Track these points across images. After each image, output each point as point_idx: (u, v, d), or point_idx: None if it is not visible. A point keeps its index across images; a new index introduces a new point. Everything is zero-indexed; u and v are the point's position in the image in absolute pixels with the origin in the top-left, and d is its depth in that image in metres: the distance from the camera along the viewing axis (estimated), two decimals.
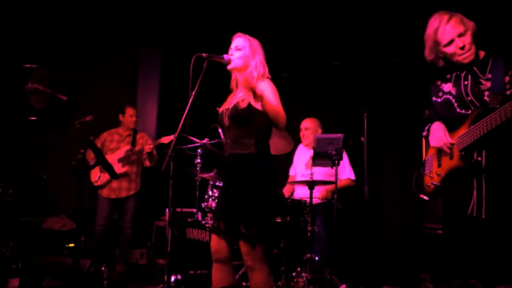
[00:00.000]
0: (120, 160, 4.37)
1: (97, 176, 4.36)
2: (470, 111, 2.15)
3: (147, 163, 4.50)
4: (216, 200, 3.76)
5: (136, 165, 4.51)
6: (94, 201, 4.36)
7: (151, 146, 4.33)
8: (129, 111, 4.57)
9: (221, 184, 3.83)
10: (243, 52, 2.45)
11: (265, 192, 2.34)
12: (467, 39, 2.14)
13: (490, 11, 3.40)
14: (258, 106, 2.35)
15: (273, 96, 2.37)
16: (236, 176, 2.36)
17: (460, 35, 2.14)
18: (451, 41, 2.16)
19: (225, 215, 2.38)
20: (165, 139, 4.34)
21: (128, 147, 4.50)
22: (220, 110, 2.52)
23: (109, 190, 4.40)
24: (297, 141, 4.35)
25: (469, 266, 2.11)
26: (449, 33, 2.15)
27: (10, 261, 3.39)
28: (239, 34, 2.51)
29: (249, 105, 2.34)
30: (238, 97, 2.41)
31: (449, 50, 2.19)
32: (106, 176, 4.35)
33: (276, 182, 2.48)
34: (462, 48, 2.15)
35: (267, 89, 2.36)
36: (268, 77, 2.49)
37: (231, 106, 2.42)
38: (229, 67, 2.46)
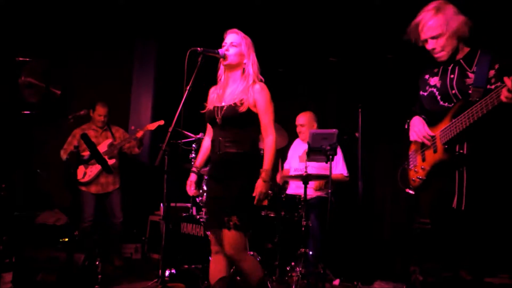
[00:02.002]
0: (105, 154, 4.34)
1: (82, 172, 4.32)
2: (452, 104, 2.18)
3: (136, 150, 4.49)
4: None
5: (117, 158, 4.50)
6: (79, 197, 4.32)
7: (142, 132, 4.32)
8: (99, 110, 4.45)
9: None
10: (238, 49, 2.46)
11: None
12: (440, 42, 2.19)
13: (481, 7, 3.41)
14: (255, 109, 2.42)
15: (267, 107, 2.42)
16: (231, 173, 2.38)
17: (433, 37, 2.19)
18: (425, 40, 2.24)
19: (217, 209, 2.40)
20: (151, 126, 4.33)
21: (109, 140, 4.46)
22: (211, 106, 2.50)
23: (98, 185, 4.37)
24: (292, 136, 4.35)
25: (458, 259, 2.14)
26: (424, 33, 2.22)
27: (3, 255, 3.38)
28: (234, 30, 2.51)
29: (248, 109, 2.39)
30: (235, 97, 2.42)
31: (426, 46, 2.26)
32: (93, 172, 4.33)
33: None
34: (432, 50, 2.22)
35: (262, 99, 2.41)
36: (261, 79, 2.50)
37: (225, 105, 2.42)
38: (224, 62, 2.47)
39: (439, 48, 2.20)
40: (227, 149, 2.40)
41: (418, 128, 2.29)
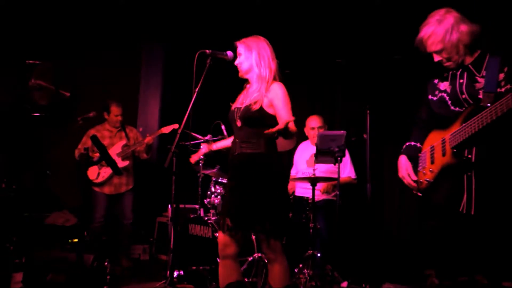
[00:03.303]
0: (118, 155, 4.38)
1: (96, 173, 4.34)
2: (463, 109, 2.18)
3: (144, 156, 4.50)
4: (220, 197, 3.79)
5: (132, 160, 4.52)
6: (90, 198, 4.36)
7: (151, 137, 4.34)
8: (114, 110, 4.47)
9: (224, 181, 3.84)
10: (243, 56, 2.50)
11: (277, 189, 2.42)
12: (445, 54, 2.21)
13: (490, 9, 3.40)
14: (269, 109, 2.44)
15: (284, 102, 2.43)
16: (247, 174, 2.42)
17: (436, 52, 2.22)
18: (431, 53, 2.26)
19: (233, 212, 2.42)
20: (166, 129, 4.33)
21: (123, 141, 4.49)
22: (233, 107, 2.56)
23: (111, 186, 4.40)
24: (299, 138, 4.34)
25: (473, 262, 2.13)
26: (428, 47, 2.24)
27: (13, 256, 3.42)
28: (240, 41, 2.54)
29: (261, 108, 2.41)
30: (252, 98, 2.45)
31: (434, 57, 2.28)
32: (106, 173, 4.35)
33: (286, 179, 2.59)
34: (438, 61, 2.24)
35: (278, 96, 2.43)
36: (277, 78, 2.52)
37: (243, 107, 2.46)
38: (239, 74, 2.53)
39: (444, 60, 2.23)
40: (243, 150, 2.44)
41: (402, 174, 2.42)
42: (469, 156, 2.09)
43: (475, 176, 2.09)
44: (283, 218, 2.47)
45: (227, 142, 2.77)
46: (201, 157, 3.88)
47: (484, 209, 2.06)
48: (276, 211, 2.39)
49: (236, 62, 2.51)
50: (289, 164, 4.49)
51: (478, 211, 2.06)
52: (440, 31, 2.19)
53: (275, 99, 2.43)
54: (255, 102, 2.41)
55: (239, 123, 2.47)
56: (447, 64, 2.24)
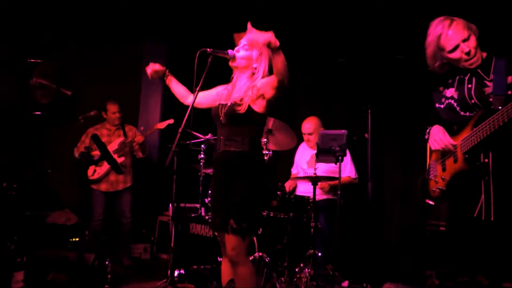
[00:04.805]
0: (115, 152, 4.37)
1: (92, 170, 4.33)
2: (473, 114, 2.13)
3: (140, 155, 4.49)
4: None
5: (129, 157, 4.51)
6: (89, 196, 4.36)
7: (142, 138, 4.33)
8: (111, 108, 4.48)
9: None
10: (249, 54, 2.44)
11: (258, 188, 2.37)
12: (472, 43, 2.11)
13: (492, 10, 3.38)
14: (256, 107, 2.38)
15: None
16: (230, 173, 2.37)
17: (464, 40, 2.11)
18: (456, 47, 2.13)
19: (218, 210, 2.41)
20: (161, 125, 4.32)
21: (120, 139, 4.48)
22: (216, 103, 2.52)
23: (107, 183, 4.40)
24: (300, 138, 4.34)
25: (475, 263, 2.11)
26: (453, 38, 2.12)
27: (15, 255, 3.42)
28: (254, 30, 2.44)
29: (248, 107, 2.36)
30: (239, 96, 2.40)
31: (454, 55, 2.15)
32: (102, 170, 4.35)
33: (268, 179, 2.54)
34: (467, 53, 2.12)
35: (267, 79, 2.39)
36: None
37: (228, 104, 2.41)
38: (232, 64, 2.47)
39: (473, 49, 2.12)
40: (226, 148, 2.39)
41: (439, 137, 2.23)
42: (485, 160, 2.04)
43: (493, 181, 2.04)
44: (258, 220, 2.41)
45: (180, 89, 2.72)
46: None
47: (505, 215, 2.02)
48: (253, 211, 2.34)
49: (238, 55, 2.43)
50: (290, 163, 4.49)
51: (498, 217, 2.01)
52: (459, 21, 2.11)
53: (265, 82, 2.37)
54: (241, 100, 2.36)
55: (223, 120, 2.41)
56: (474, 59, 2.13)
